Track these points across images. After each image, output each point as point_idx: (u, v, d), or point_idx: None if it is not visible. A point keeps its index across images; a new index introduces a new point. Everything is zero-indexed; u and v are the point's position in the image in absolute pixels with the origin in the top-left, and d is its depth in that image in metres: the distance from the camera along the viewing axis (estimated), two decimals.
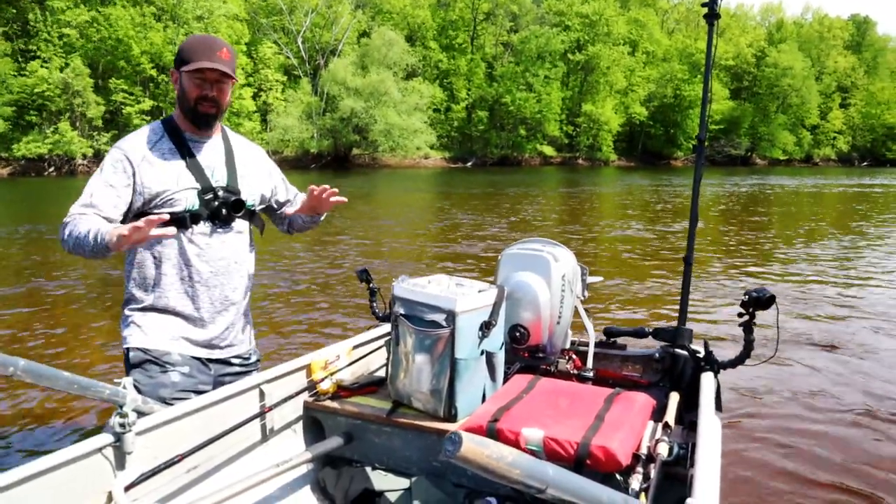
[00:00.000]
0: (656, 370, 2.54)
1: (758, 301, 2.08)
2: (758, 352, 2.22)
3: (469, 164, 51.27)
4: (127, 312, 2.16)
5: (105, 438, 1.68)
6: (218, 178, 2.17)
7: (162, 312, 2.14)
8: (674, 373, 2.50)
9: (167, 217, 1.86)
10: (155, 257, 2.12)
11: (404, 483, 2.10)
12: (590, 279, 2.69)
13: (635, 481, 1.74)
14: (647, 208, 17.50)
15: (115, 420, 1.69)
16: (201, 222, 2.13)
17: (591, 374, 2.54)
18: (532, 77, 53.66)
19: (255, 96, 43.16)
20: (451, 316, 2.06)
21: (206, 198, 2.13)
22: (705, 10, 2.53)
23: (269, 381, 2.16)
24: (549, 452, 1.80)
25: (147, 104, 37.20)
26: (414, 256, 9.40)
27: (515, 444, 1.83)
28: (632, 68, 60.45)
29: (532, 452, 1.81)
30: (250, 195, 2.26)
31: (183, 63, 2.06)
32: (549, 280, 2.50)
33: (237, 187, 2.21)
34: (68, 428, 3.61)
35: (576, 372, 2.56)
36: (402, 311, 2.18)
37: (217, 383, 2.22)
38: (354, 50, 48.04)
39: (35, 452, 3.27)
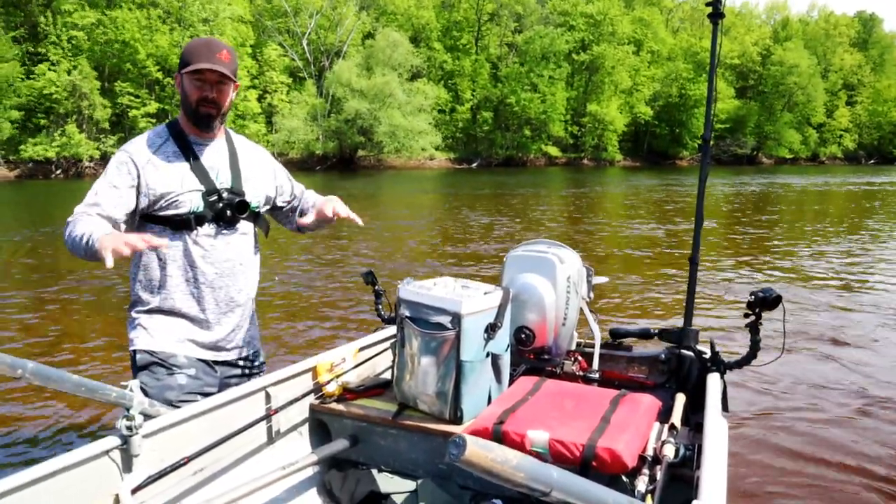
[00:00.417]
0: (662, 371, 2.54)
1: (764, 301, 2.08)
2: (764, 352, 2.21)
3: (474, 164, 51.26)
4: (133, 315, 2.17)
5: (112, 441, 1.69)
6: (222, 180, 2.18)
7: (168, 314, 2.14)
8: (680, 374, 2.50)
9: (157, 244, 1.82)
10: (160, 259, 2.12)
11: (410, 485, 2.10)
12: (595, 280, 2.69)
13: (641, 483, 1.73)
14: (652, 208, 17.46)
15: (121, 423, 1.70)
16: (206, 224, 2.14)
17: (596, 376, 2.54)
18: (537, 77, 53.60)
19: (260, 98, 43.25)
20: (456, 318, 2.06)
21: (211, 200, 2.14)
22: (710, 9, 2.52)
23: (275, 384, 2.17)
24: (555, 454, 1.80)
25: (153, 107, 37.33)
26: (419, 258, 9.40)
27: (521, 446, 1.83)
28: (637, 68, 60.30)
29: (538, 454, 1.80)
30: (255, 197, 2.27)
31: (184, 66, 2.07)
32: (555, 281, 2.50)
33: (241, 189, 2.22)
34: (75, 430, 3.62)
35: (581, 373, 2.56)
36: (407, 313, 2.19)
37: (223, 385, 2.23)
38: (359, 51, 48.09)
39: (42, 455, 3.28)
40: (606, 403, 2.06)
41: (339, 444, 2.15)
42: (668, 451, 1.81)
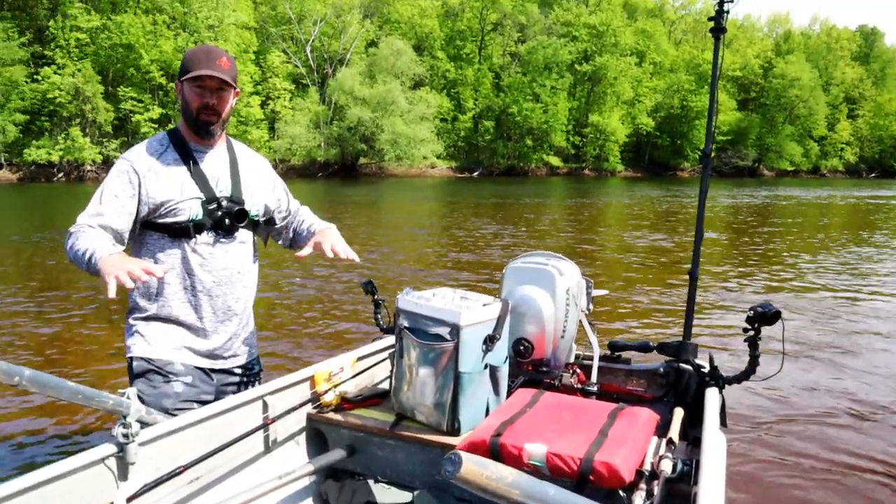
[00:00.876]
0: (661, 385, 2.53)
1: (763, 316, 2.08)
2: (763, 367, 2.21)
3: (475, 173, 51.35)
4: (131, 322, 2.17)
5: (108, 449, 1.68)
6: (222, 188, 2.18)
7: (165, 322, 2.14)
8: (678, 388, 2.49)
9: (160, 274, 1.83)
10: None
11: (407, 497, 2.10)
12: (595, 292, 2.69)
13: (638, 498, 1.73)
14: (653, 220, 17.47)
15: (118, 430, 1.69)
16: (205, 232, 2.13)
17: (595, 389, 2.53)
18: (539, 87, 53.79)
19: (263, 105, 43.41)
20: (455, 329, 2.05)
21: (210, 208, 2.14)
22: (712, 23, 2.53)
23: (272, 393, 2.16)
24: (553, 468, 1.79)
25: (156, 112, 37.49)
26: (419, 267, 9.40)
27: (518, 458, 1.82)
28: (639, 79, 60.50)
29: (535, 468, 1.80)
30: (254, 206, 2.27)
31: (184, 73, 2.08)
32: (554, 294, 2.50)
33: (241, 197, 2.22)
34: (72, 437, 3.61)
35: (580, 386, 2.55)
36: (406, 323, 2.18)
37: (219, 393, 2.22)
38: (362, 59, 48.29)
39: (37, 462, 3.27)
40: (604, 417, 2.05)
41: (335, 454, 2.15)
42: (666, 466, 1.80)
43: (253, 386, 2.31)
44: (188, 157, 2.15)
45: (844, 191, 36.83)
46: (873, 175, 71.85)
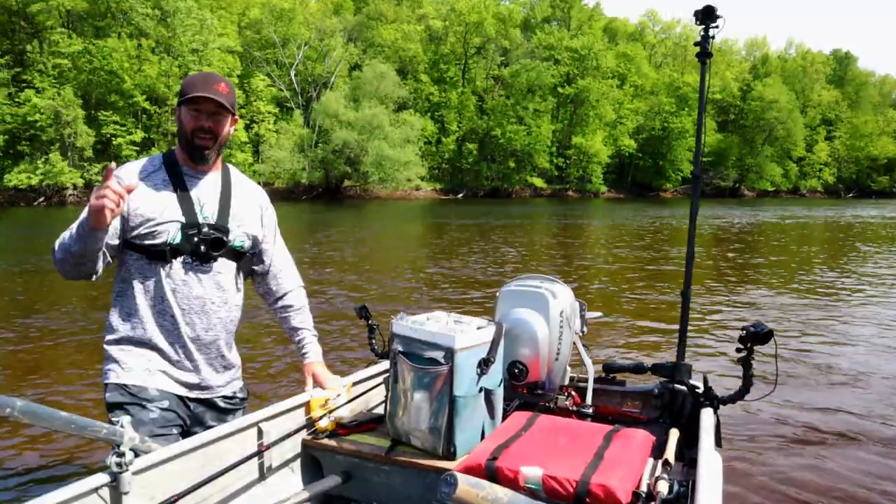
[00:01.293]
0: (656, 406, 2.54)
1: (756, 336, 2.09)
2: (757, 386, 2.22)
3: (460, 195, 51.56)
4: (105, 347, 2.13)
5: (101, 478, 1.66)
6: (207, 215, 2.14)
7: (138, 345, 2.11)
8: (673, 408, 2.50)
9: (134, 186, 1.89)
10: (134, 288, 2.10)
11: None
12: (588, 315, 2.70)
13: None
14: (642, 241, 17.60)
15: (111, 459, 1.66)
16: (181, 257, 2.10)
17: (590, 411, 2.53)
18: (522, 110, 54.36)
19: (247, 128, 43.42)
20: (449, 353, 2.05)
21: (189, 233, 2.09)
22: (698, 48, 2.58)
23: (267, 419, 2.14)
24: (549, 490, 1.79)
25: (138, 135, 37.35)
26: (411, 292, 9.37)
27: (514, 481, 1.82)
28: (620, 101, 61.34)
29: (531, 490, 1.79)
30: (239, 236, 2.21)
31: (182, 97, 2.08)
32: (548, 316, 2.51)
33: (226, 225, 2.17)
34: (65, 467, 3.55)
35: (575, 408, 2.55)
36: (400, 348, 2.18)
37: (195, 419, 2.19)
38: (346, 83, 48.54)
39: (31, 493, 3.20)
40: (600, 439, 2.05)
41: (331, 481, 2.13)
42: (662, 488, 1.80)
43: (235, 415, 2.27)
44: (177, 180, 2.13)
45: (824, 210, 37.37)
46: (851, 195, 73.16)
